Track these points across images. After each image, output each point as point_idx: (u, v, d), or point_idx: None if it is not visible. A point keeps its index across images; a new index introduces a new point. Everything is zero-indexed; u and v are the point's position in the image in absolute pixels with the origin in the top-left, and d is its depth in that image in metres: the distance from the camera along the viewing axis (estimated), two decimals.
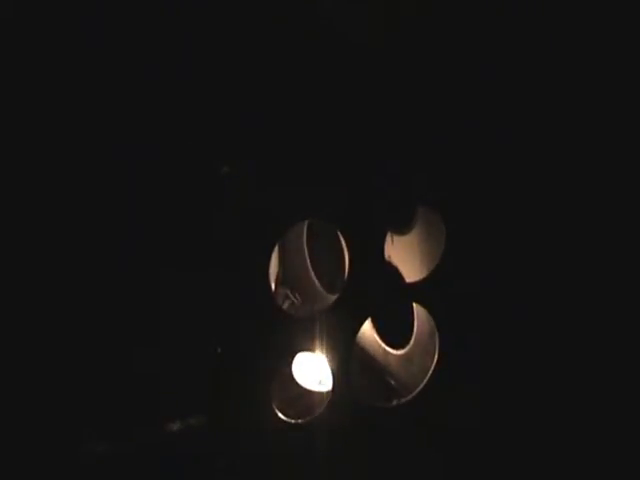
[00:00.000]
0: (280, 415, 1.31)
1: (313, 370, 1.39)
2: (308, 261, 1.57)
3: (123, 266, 1.21)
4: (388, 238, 1.38)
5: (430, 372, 1.38)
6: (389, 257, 1.38)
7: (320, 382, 1.40)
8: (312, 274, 1.58)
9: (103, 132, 1.12)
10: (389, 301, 1.37)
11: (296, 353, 1.34)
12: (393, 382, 1.49)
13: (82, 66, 1.09)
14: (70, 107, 1.11)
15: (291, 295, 1.55)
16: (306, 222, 1.53)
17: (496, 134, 1.30)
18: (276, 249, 1.37)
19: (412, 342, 1.48)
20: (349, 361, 1.33)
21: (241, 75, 1.19)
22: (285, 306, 1.53)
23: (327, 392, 1.36)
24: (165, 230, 1.22)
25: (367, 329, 1.52)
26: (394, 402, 1.39)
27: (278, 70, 1.20)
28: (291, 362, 1.38)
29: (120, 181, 1.15)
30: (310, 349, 1.31)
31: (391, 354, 1.52)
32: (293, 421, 1.31)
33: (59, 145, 1.11)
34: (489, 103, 1.29)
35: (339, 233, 1.31)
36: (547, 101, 1.31)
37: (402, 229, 1.44)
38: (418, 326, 1.46)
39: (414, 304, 1.44)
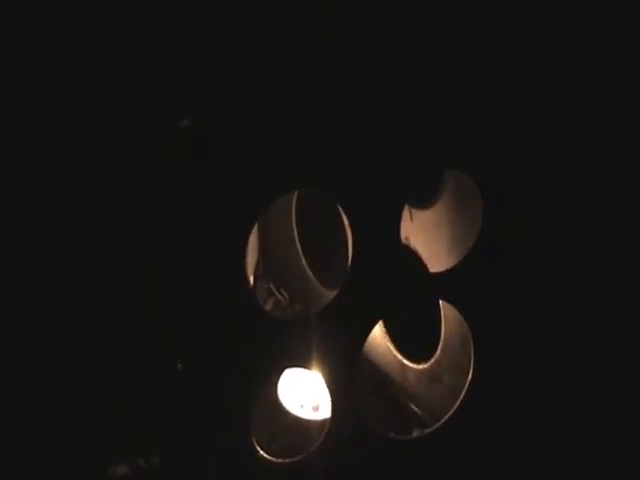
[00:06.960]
0: (262, 452, 1.19)
1: (305, 392, 1.32)
2: (298, 245, 1.48)
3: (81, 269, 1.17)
4: (405, 214, 1.27)
5: (463, 393, 1.26)
6: (407, 239, 1.31)
7: (315, 408, 1.33)
8: (304, 263, 1.49)
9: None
10: (407, 298, 1.25)
11: (283, 370, 1.25)
12: (413, 406, 1.42)
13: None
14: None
15: (276, 291, 1.49)
16: (295, 193, 1.42)
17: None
18: (255, 229, 1.28)
19: (438, 353, 1.38)
20: (353, 379, 1.22)
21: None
22: (268, 306, 1.46)
23: (324, 421, 1.25)
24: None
25: (377, 336, 1.41)
26: (414, 433, 1.31)
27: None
28: (276, 382, 1.30)
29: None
30: (302, 364, 1.21)
31: (410, 369, 1.43)
32: (279, 460, 1.21)
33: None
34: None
35: (339, 207, 1.21)
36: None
37: (425, 202, 1.34)
38: (446, 332, 1.36)
39: (441, 302, 1.34)
